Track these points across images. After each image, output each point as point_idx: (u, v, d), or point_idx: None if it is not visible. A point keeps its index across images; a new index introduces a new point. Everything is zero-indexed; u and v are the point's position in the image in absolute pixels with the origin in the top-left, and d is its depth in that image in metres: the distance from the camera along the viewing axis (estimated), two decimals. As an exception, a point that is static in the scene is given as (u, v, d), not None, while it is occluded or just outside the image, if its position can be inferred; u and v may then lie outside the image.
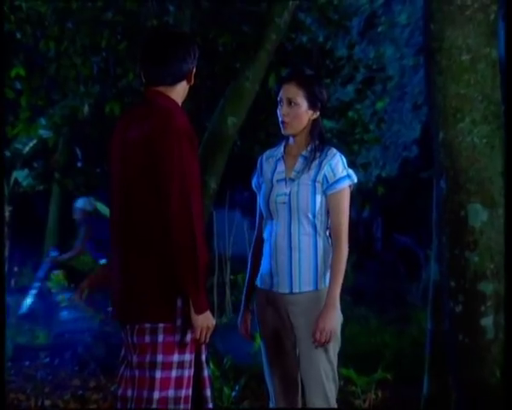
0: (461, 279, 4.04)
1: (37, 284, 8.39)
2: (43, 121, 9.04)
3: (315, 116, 3.51)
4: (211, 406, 3.26)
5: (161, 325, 3.10)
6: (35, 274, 8.71)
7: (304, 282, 3.43)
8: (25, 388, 6.16)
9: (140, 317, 3.13)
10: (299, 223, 3.44)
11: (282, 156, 3.56)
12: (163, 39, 3.23)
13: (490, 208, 4.02)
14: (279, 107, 3.51)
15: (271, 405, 3.60)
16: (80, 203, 8.13)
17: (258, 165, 3.65)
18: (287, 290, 3.46)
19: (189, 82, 3.25)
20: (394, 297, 11.13)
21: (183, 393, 3.12)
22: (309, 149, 3.50)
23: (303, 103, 3.47)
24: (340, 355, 3.53)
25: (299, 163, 3.49)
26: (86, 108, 7.87)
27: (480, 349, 4.02)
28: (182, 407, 3.11)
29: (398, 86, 14.49)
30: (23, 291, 8.79)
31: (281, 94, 3.51)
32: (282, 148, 3.59)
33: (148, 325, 3.10)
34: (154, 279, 3.09)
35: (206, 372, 3.25)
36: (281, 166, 3.54)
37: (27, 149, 11.89)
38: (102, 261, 8.37)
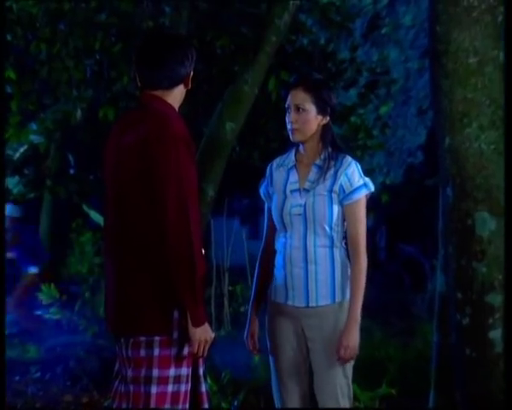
0: (468, 291, 4.05)
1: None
2: (34, 126, 9.08)
3: (324, 121, 3.48)
4: (208, 421, 3.22)
5: (157, 338, 3.05)
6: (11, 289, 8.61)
7: (321, 295, 3.41)
8: (15, 403, 6.07)
9: (135, 329, 3.08)
10: (315, 235, 3.41)
11: (295, 165, 3.52)
12: (159, 42, 3.23)
13: (498, 217, 4.02)
14: (287, 114, 3.49)
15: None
16: (7, 210, 8.08)
17: (267, 173, 3.62)
18: (303, 304, 3.44)
19: (186, 86, 3.23)
20: (399, 309, 11.15)
21: (179, 409, 3.06)
22: (322, 157, 3.46)
23: (311, 109, 3.44)
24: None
25: (313, 173, 3.46)
26: (79, 113, 7.90)
27: (488, 363, 4.04)
28: (178, 422, 3.06)
29: (403, 90, 14.73)
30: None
31: (288, 100, 3.48)
32: (292, 156, 3.55)
33: (143, 338, 3.06)
34: (150, 290, 3.05)
35: (203, 387, 3.20)
36: (293, 176, 3.50)
37: (18, 155, 11.94)
38: (31, 269, 8.44)
